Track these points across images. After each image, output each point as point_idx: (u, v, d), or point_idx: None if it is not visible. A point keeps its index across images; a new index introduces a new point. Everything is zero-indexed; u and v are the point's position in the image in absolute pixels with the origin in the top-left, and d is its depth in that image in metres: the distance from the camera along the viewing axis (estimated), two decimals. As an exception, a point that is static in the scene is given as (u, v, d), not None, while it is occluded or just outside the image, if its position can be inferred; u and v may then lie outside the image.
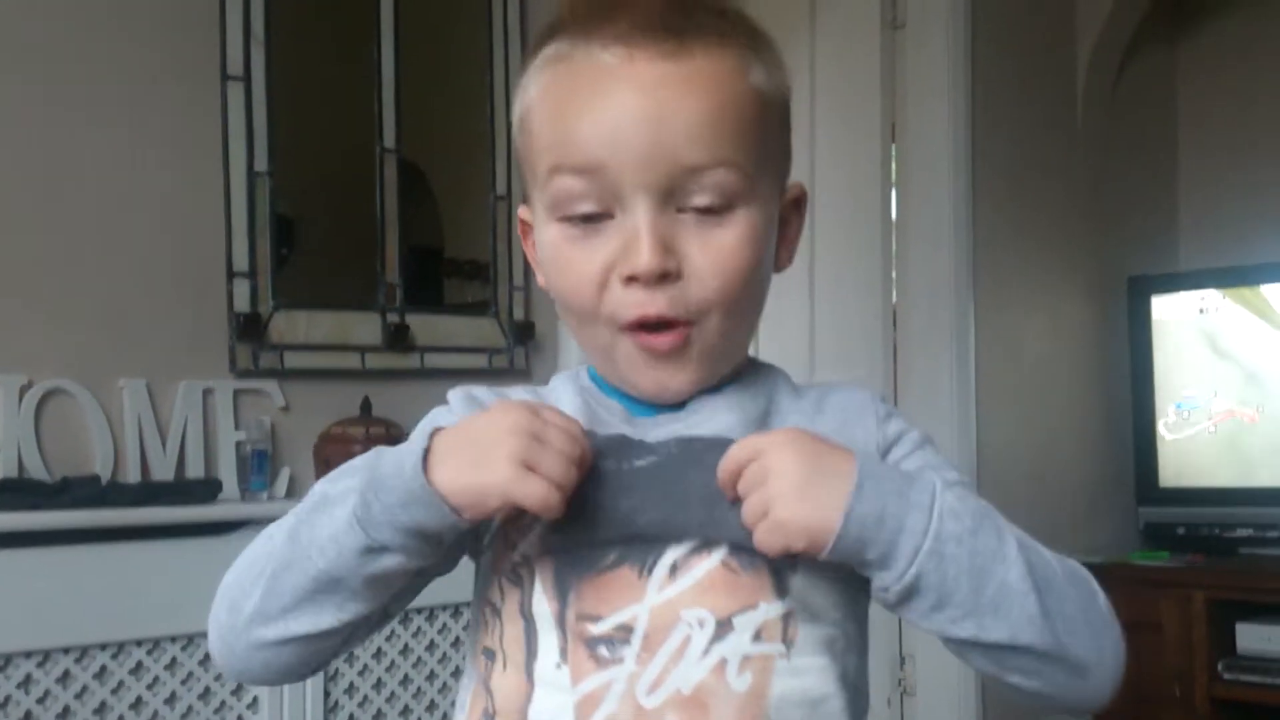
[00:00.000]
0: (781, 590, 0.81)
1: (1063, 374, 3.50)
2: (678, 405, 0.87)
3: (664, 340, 0.82)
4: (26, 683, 2.03)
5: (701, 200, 0.81)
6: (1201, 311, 3.45)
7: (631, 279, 0.80)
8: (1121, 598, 3.19)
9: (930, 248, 3.19)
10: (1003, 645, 0.77)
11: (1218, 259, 3.62)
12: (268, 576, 0.81)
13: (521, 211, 0.93)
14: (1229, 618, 3.10)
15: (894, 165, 3.27)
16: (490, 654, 0.85)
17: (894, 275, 3.26)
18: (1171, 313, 3.50)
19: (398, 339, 2.64)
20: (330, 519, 0.79)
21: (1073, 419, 3.52)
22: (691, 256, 0.81)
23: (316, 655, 0.84)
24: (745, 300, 0.85)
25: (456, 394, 0.92)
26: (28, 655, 2.04)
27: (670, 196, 0.81)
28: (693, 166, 0.80)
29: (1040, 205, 3.43)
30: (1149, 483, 3.48)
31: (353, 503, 0.78)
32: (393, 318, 2.66)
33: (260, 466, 2.39)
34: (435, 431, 0.79)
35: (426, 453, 0.77)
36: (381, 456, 0.79)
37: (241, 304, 2.44)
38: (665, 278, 0.80)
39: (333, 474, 0.83)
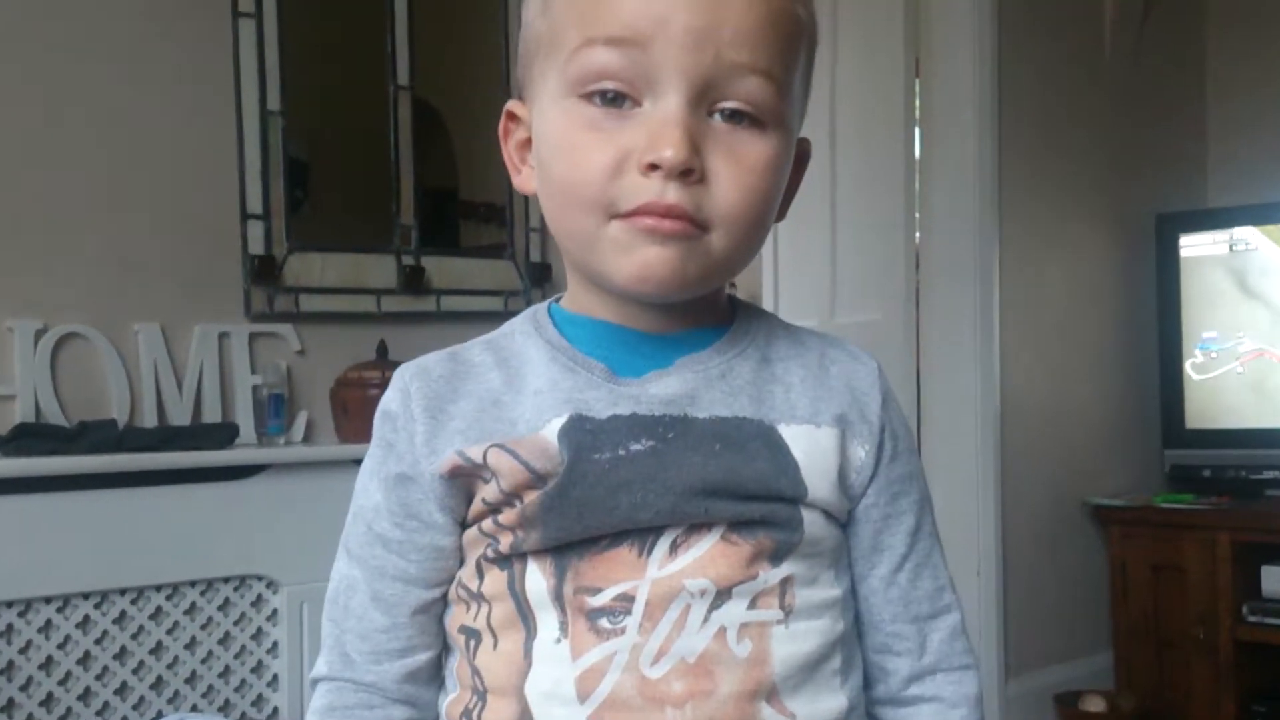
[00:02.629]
0: (779, 558, 0.80)
1: (1088, 314, 3.46)
2: (664, 360, 0.83)
3: (670, 224, 0.76)
4: (47, 628, 2.04)
5: (735, 105, 0.77)
6: (1231, 249, 3.40)
7: (653, 167, 0.75)
8: (1146, 540, 3.18)
9: (954, 186, 3.14)
10: None
11: (1247, 196, 3.55)
12: None
13: (512, 104, 0.87)
14: (1254, 560, 3.08)
15: (917, 102, 3.21)
16: (473, 633, 0.82)
17: (917, 214, 3.22)
18: (1200, 251, 3.44)
19: (413, 281, 2.62)
20: None
21: (1098, 360, 3.48)
22: (716, 166, 0.76)
23: None
24: (756, 224, 0.80)
25: (406, 372, 0.86)
26: (47, 601, 2.05)
27: (705, 94, 0.76)
28: (736, 62, 0.76)
29: (1066, 141, 3.37)
30: (1175, 424, 3.45)
31: None
32: (408, 260, 2.63)
33: (277, 410, 2.38)
34: None
35: None
36: None
37: (256, 246, 2.42)
38: (687, 175, 0.75)
39: None
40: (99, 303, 2.26)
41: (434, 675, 0.87)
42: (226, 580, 2.23)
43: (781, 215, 0.86)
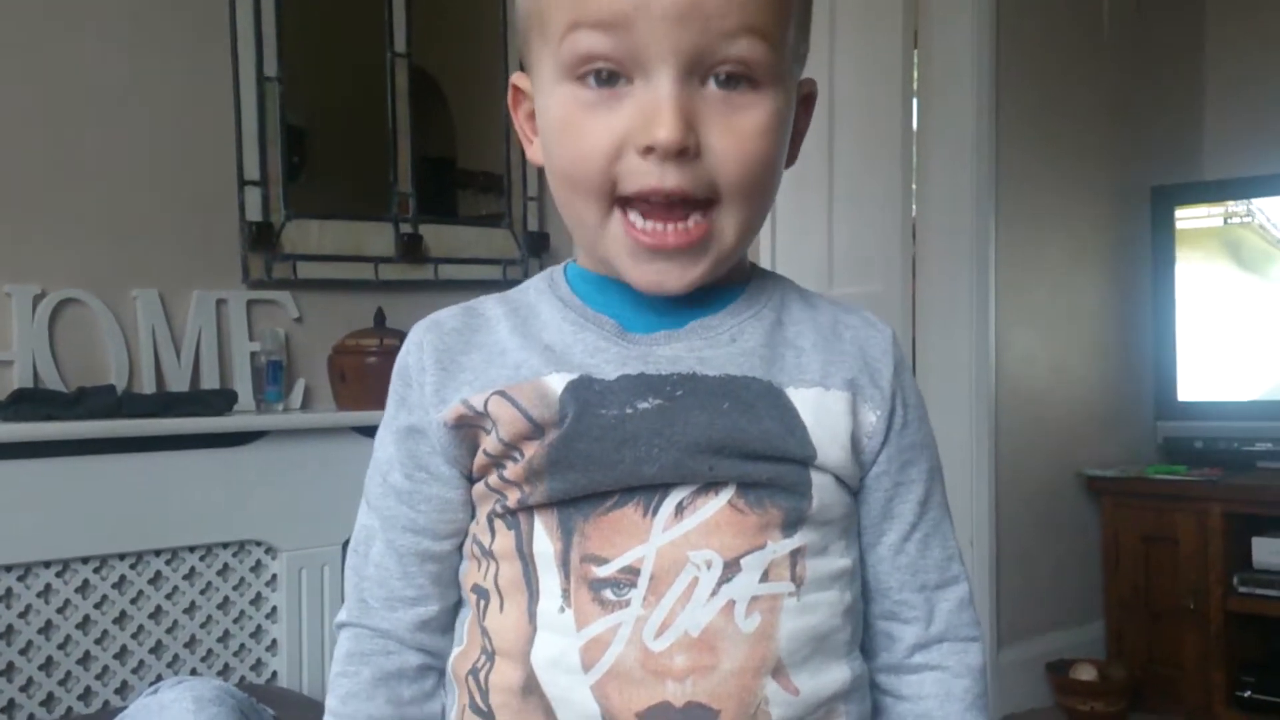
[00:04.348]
0: (790, 528, 0.80)
1: (1083, 286, 3.47)
2: (676, 321, 0.83)
3: (674, 238, 0.77)
4: (46, 592, 2.05)
5: (728, 69, 0.77)
6: (1226, 222, 3.40)
7: (649, 150, 0.75)
8: (1138, 512, 3.21)
9: (951, 159, 3.14)
10: None
11: (1243, 168, 3.55)
12: None
13: (516, 78, 0.87)
14: (1245, 532, 3.10)
15: (915, 73, 3.20)
16: (483, 593, 0.83)
17: (914, 187, 3.22)
18: (1195, 223, 3.45)
19: (411, 250, 2.62)
20: None
21: (1093, 332, 3.49)
22: (712, 138, 0.77)
23: None
24: (761, 190, 0.80)
25: (420, 327, 0.88)
26: (47, 565, 2.05)
27: (696, 64, 0.76)
28: (724, 29, 0.75)
29: (1064, 114, 3.36)
30: (1168, 396, 3.46)
31: None
32: (406, 228, 2.63)
33: (275, 377, 2.38)
34: None
35: None
36: None
37: (253, 213, 2.42)
38: (684, 154, 0.76)
39: None
40: (97, 268, 2.26)
41: (446, 626, 0.88)
42: (225, 545, 2.24)
43: (791, 161, 0.86)
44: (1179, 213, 3.47)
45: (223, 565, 2.24)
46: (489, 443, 0.81)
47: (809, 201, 3.43)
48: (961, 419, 3.12)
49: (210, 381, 2.34)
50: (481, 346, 0.84)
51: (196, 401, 2.23)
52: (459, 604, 0.88)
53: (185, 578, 2.19)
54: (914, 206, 3.22)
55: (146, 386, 2.27)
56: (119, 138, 2.29)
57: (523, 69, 0.87)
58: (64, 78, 2.23)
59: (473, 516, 0.86)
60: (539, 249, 2.81)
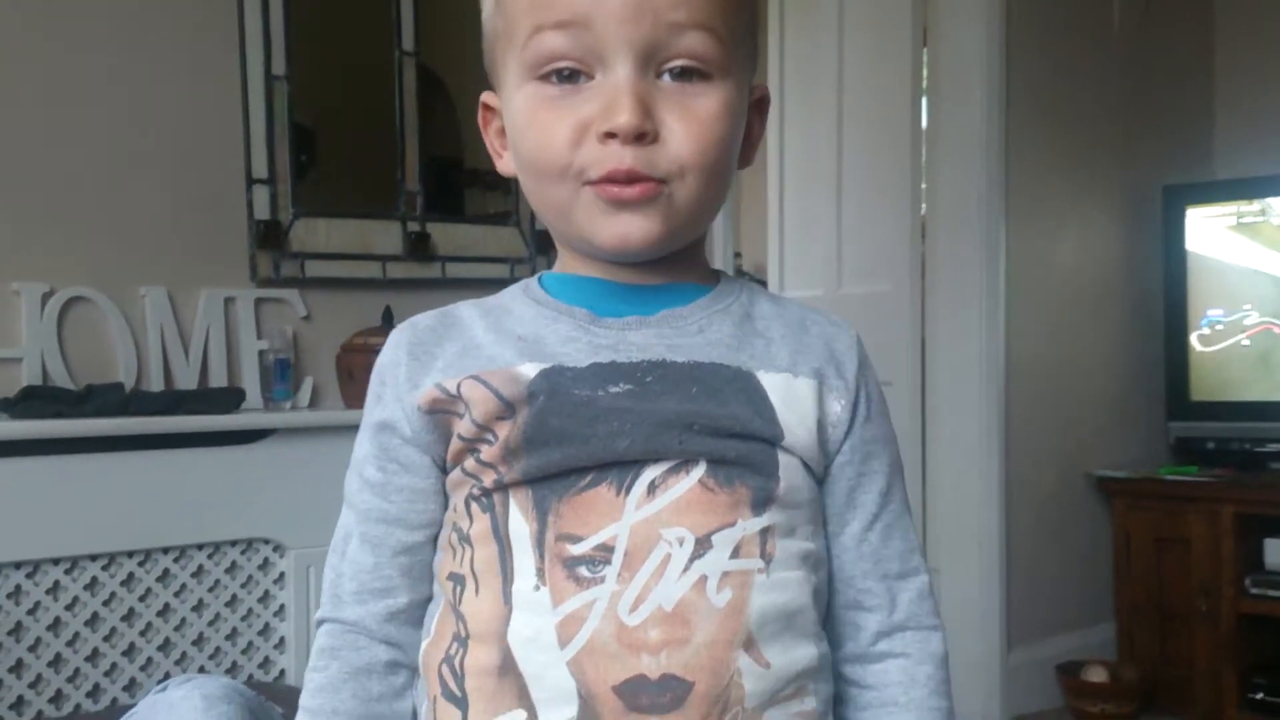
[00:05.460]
0: (759, 507, 0.83)
1: (1095, 286, 3.45)
2: (646, 309, 0.87)
3: (633, 190, 0.82)
4: (55, 589, 2.06)
5: (680, 62, 0.82)
6: (1238, 221, 3.39)
7: (609, 135, 0.81)
8: (1150, 512, 3.18)
9: (961, 157, 3.12)
10: None
11: (1255, 168, 3.54)
12: None
13: (485, 96, 0.93)
14: (1257, 532, 3.08)
15: (925, 72, 3.19)
16: (459, 579, 0.85)
17: (923, 185, 3.21)
18: (1207, 223, 3.43)
19: (419, 248, 2.62)
20: None
21: (1104, 332, 3.48)
22: (669, 123, 0.82)
23: None
24: (716, 170, 0.85)
25: (397, 329, 0.91)
26: (55, 562, 2.06)
27: (651, 57, 0.82)
28: (675, 23, 0.81)
29: (1074, 113, 3.35)
30: (1180, 396, 3.44)
31: None
32: (413, 226, 2.63)
33: (283, 375, 2.39)
34: None
35: None
36: None
37: (261, 212, 2.42)
38: (642, 138, 0.81)
39: None
40: (105, 266, 2.26)
41: (415, 619, 0.90)
42: (234, 543, 2.24)
43: (746, 162, 0.91)
44: (1190, 212, 3.45)
45: (231, 563, 2.24)
46: (462, 426, 0.84)
47: (818, 201, 3.43)
48: (971, 419, 3.11)
49: (218, 379, 2.34)
50: (456, 340, 0.88)
51: (204, 399, 2.23)
52: (429, 599, 0.90)
53: (193, 575, 2.20)
54: (923, 206, 3.21)
55: (155, 384, 2.27)
56: (127, 136, 2.30)
57: (492, 89, 0.92)
58: (72, 77, 2.24)
59: (446, 506, 0.88)
60: (546, 247, 2.81)
